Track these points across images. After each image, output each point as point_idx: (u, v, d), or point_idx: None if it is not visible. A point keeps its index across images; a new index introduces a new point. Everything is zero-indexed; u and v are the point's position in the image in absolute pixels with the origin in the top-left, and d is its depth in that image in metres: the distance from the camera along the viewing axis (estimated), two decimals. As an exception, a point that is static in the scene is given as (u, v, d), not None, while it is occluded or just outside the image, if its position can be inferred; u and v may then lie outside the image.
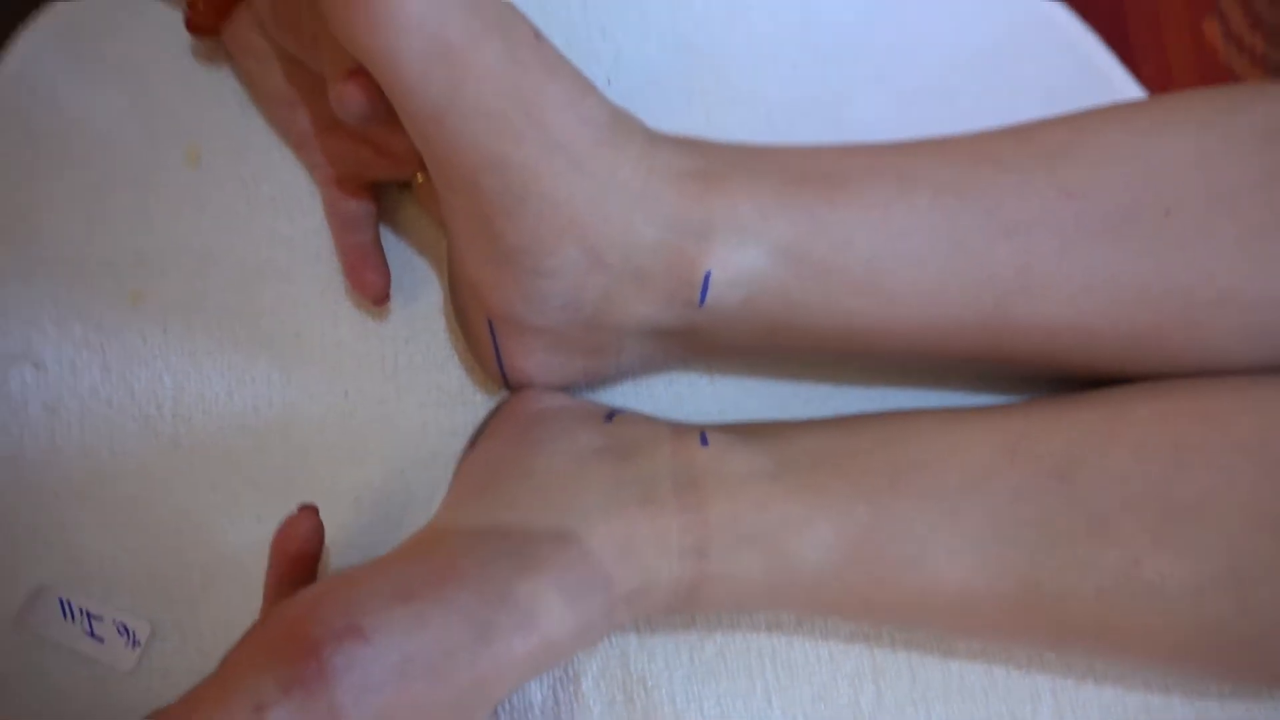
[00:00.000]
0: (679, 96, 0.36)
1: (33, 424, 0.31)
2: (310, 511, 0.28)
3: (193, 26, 0.33)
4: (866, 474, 0.28)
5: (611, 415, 0.31)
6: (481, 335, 0.31)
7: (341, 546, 0.31)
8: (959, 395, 0.34)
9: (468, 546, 0.27)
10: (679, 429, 0.30)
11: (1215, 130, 0.30)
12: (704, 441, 0.29)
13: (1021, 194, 0.30)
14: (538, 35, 0.27)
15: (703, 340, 0.31)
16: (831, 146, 0.31)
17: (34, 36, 0.34)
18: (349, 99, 0.27)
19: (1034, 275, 0.29)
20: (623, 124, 0.29)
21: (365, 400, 0.33)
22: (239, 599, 0.30)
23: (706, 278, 0.29)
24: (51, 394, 0.31)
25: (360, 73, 0.27)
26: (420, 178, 0.33)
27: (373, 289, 0.32)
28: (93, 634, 0.30)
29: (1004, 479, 0.28)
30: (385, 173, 0.33)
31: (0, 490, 0.30)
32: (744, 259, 0.29)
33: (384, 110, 0.27)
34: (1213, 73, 0.42)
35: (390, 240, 0.34)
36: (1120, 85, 0.38)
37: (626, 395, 0.34)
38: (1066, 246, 0.29)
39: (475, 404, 0.33)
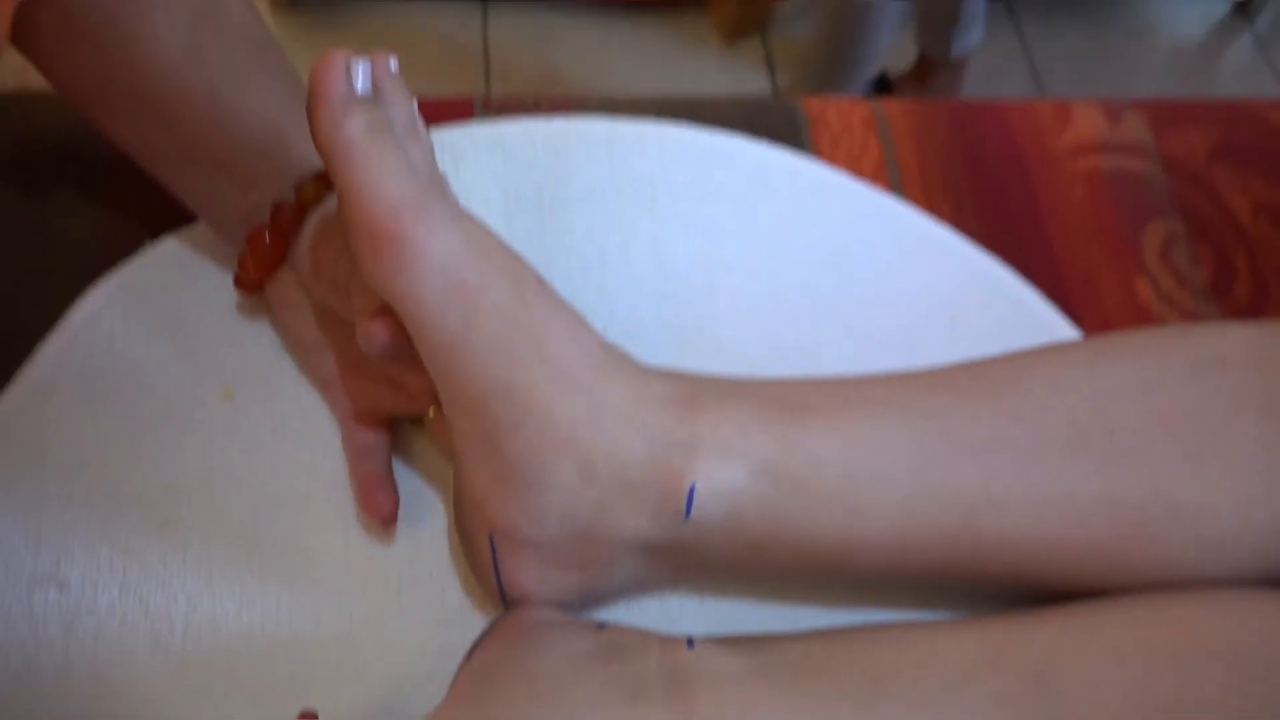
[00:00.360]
0: (666, 345, 0.40)
1: (49, 641, 0.32)
2: (311, 718, 0.28)
3: (240, 283, 0.38)
4: (850, 677, 0.29)
5: (603, 625, 0.32)
6: (483, 553, 0.33)
7: (337, 766, 0.31)
8: (939, 614, 0.35)
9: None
10: (667, 637, 0.32)
11: (1150, 363, 0.33)
12: (690, 645, 0.31)
13: (976, 418, 0.33)
14: (540, 280, 0.32)
15: (691, 557, 0.33)
16: (804, 379, 0.35)
17: (99, 292, 0.38)
18: (375, 335, 0.31)
19: (996, 490, 0.32)
20: (615, 356, 0.32)
21: (368, 619, 0.34)
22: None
23: (691, 490, 0.31)
24: (70, 612, 0.33)
25: (386, 312, 0.31)
26: (433, 412, 0.36)
27: (381, 510, 0.35)
28: None
29: (985, 684, 0.29)
30: (401, 408, 0.37)
31: (9, 705, 0.31)
32: (726, 474, 0.31)
33: (404, 346, 0.31)
34: (1149, 326, 0.47)
35: (401, 470, 0.37)
36: (1065, 334, 0.42)
37: (619, 614, 0.35)
38: (1024, 464, 0.32)
39: (474, 624, 0.34)
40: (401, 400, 0.36)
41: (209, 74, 0.36)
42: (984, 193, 0.49)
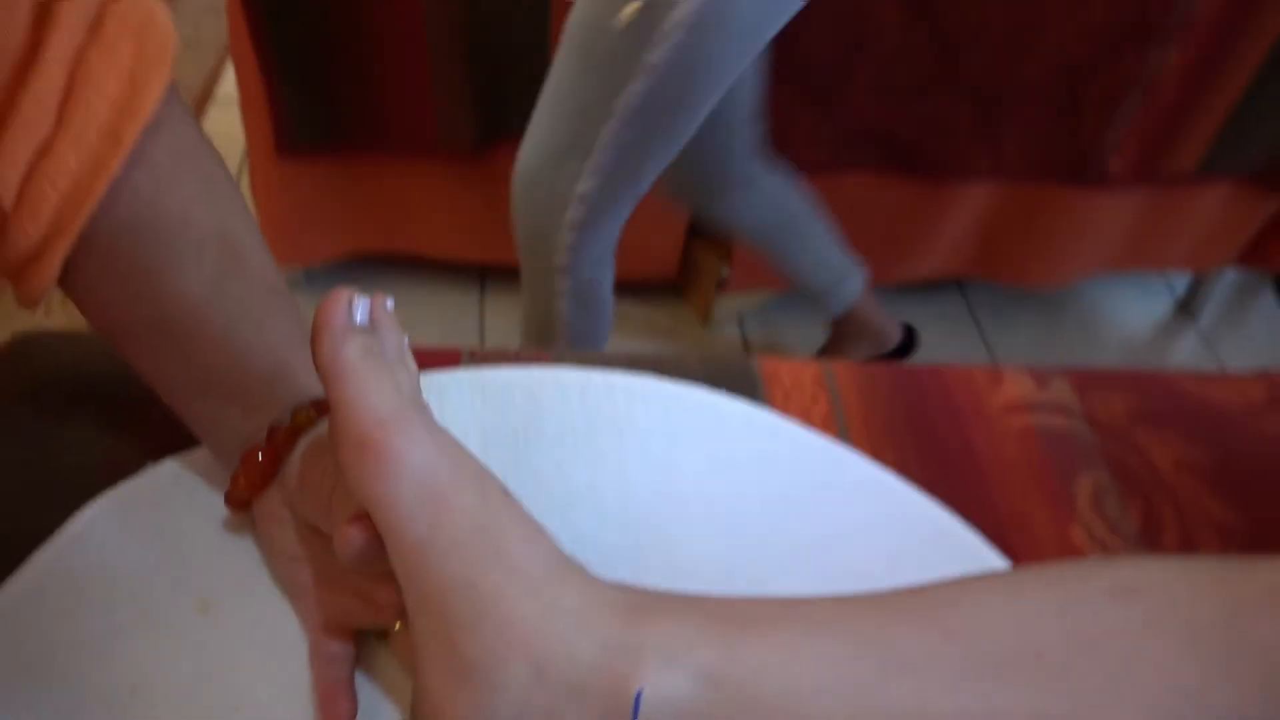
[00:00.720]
0: (626, 567, 0.43)
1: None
2: None
3: (231, 500, 0.41)
4: None
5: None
6: (437, 759, 0.34)
7: None
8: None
9: None
10: None
11: (1072, 588, 0.36)
12: None
13: (912, 637, 0.35)
14: (505, 491, 0.35)
15: (640, 770, 0.34)
16: (750, 597, 0.37)
17: (97, 506, 0.41)
18: (352, 539, 0.34)
19: (931, 707, 0.33)
20: (570, 564, 0.35)
21: (317, 830, 0.34)
22: None
23: (638, 697, 0.33)
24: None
25: (363, 518, 0.34)
26: (398, 626, 0.38)
27: (340, 718, 0.36)
28: None
29: None
30: (368, 621, 0.39)
31: None
32: (671, 681, 0.33)
33: (377, 550, 0.34)
34: (1087, 569, 0.49)
35: (362, 681, 0.38)
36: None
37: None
38: (957, 682, 0.34)
39: (422, 840, 0.34)
40: (370, 613, 0.38)
41: (228, 314, 0.41)
42: (925, 443, 0.53)
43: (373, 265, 1.64)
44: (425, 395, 0.37)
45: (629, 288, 1.71)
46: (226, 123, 1.71)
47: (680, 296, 1.78)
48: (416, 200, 1.45)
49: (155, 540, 0.41)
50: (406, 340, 0.37)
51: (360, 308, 0.34)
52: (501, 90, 1.31)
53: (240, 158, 1.70)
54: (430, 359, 0.51)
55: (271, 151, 1.33)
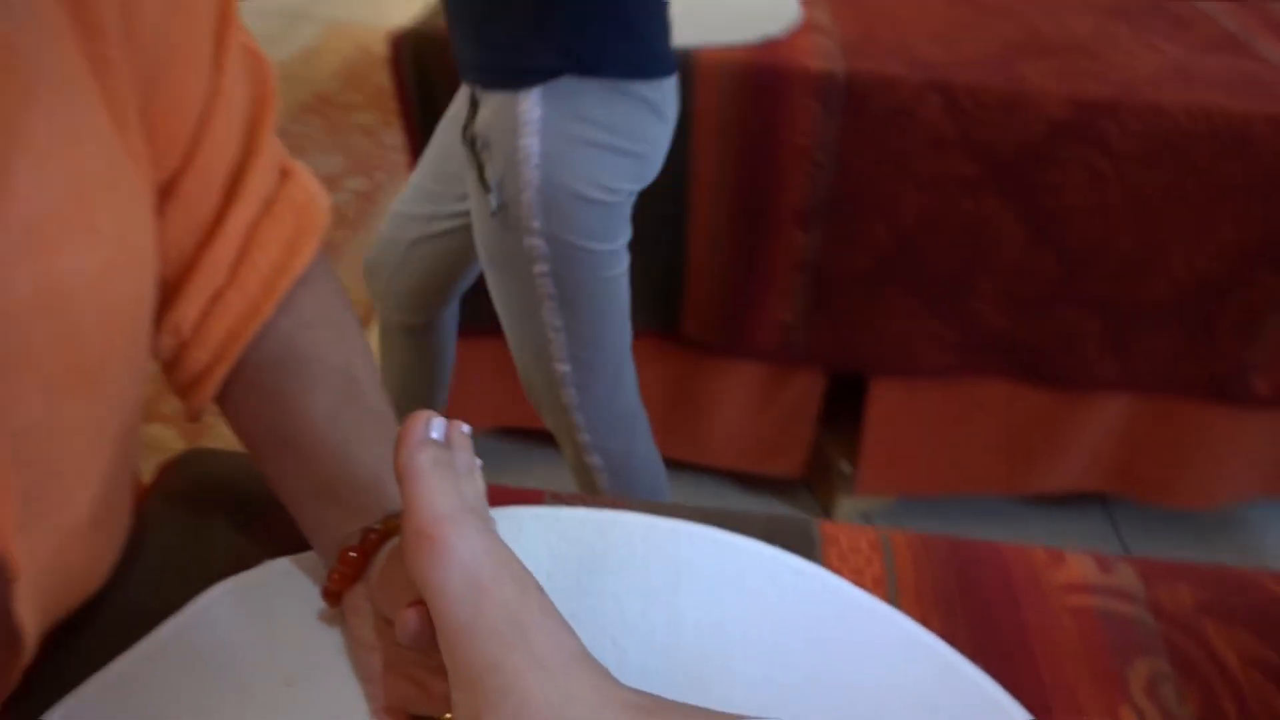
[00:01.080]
0: (663, 693, 0.46)
1: None
2: None
3: (326, 593, 0.47)
4: None
5: None
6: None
7: None
8: None
9: None
10: None
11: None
12: None
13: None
14: (541, 591, 0.40)
15: None
16: None
17: (217, 590, 0.49)
18: (409, 620, 0.40)
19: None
20: (591, 661, 0.39)
21: None
22: None
23: (634, 787, 0.36)
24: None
25: (419, 603, 0.40)
26: (447, 716, 0.43)
27: None
28: None
29: None
30: (423, 709, 0.44)
31: None
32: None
33: (429, 632, 0.39)
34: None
35: (411, 762, 0.43)
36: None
37: None
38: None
39: None
40: (425, 701, 0.43)
41: (341, 435, 0.49)
42: (975, 612, 0.55)
43: (518, 435, 1.74)
44: (506, 526, 0.43)
45: (756, 481, 1.75)
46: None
47: (811, 493, 1.80)
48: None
49: (259, 621, 0.48)
50: (480, 463, 0.44)
51: (436, 426, 0.41)
52: (640, 284, 1.43)
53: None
54: (518, 496, 0.57)
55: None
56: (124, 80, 0.41)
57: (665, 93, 1.09)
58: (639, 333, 1.50)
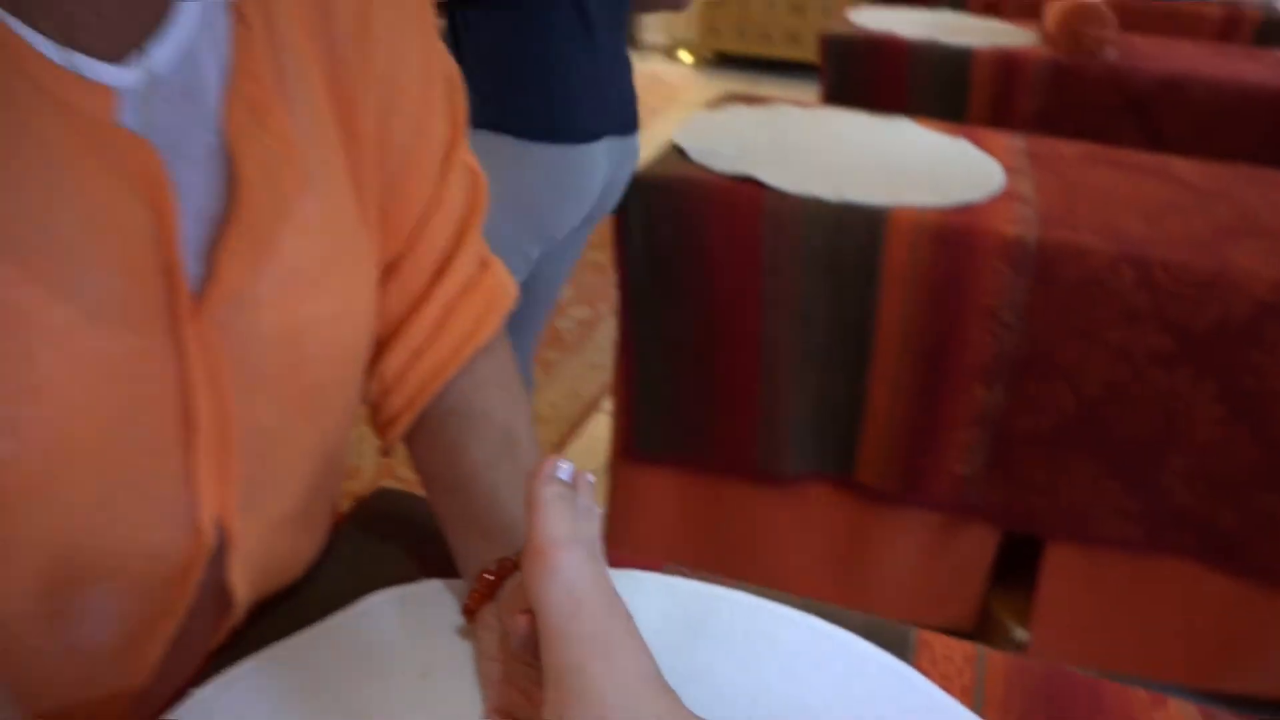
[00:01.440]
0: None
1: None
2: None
3: (466, 610, 0.56)
4: None
5: None
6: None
7: None
8: None
9: None
10: None
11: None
12: None
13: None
14: (629, 617, 0.47)
15: None
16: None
17: (382, 595, 0.59)
18: (519, 625, 0.48)
19: None
20: (664, 684, 0.46)
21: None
22: None
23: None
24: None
25: (529, 612, 0.48)
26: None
27: None
28: None
29: None
30: (527, 715, 0.51)
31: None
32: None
33: (534, 640, 0.47)
34: None
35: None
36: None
37: None
38: None
39: None
40: (528, 709, 0.51)
41: (496, 481, 0.59)
42: (1057, 735, 0.56)
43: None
44: (625, 584, 0.50)
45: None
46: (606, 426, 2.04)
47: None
48: (737, 520, 1.61)
49: (408, 624, 0.57)
50: (600, 510, 0.52)
51: (565, 470, 0.50)
52: (819, 426, 1.49)
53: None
54: (644, 562, 0.65)
55: (623, 454, 1.59)
56: (371, 180, 0.54)
57: (577, 159, 1.22)
58: (814, 474, 1.55)
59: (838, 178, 1.46)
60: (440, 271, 0.61)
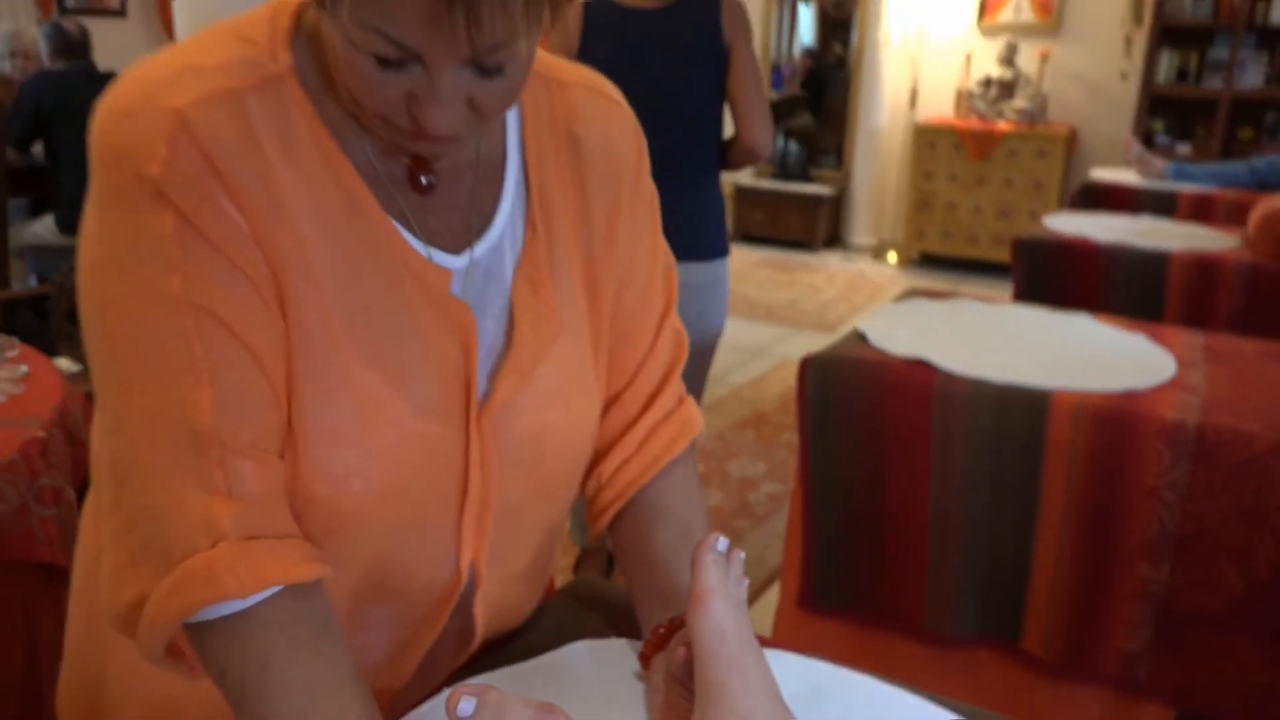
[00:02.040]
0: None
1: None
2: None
3: (642, 657, 0.74)
4: None
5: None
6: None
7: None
8: None
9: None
10: None
11: None
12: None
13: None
14: (761, 653, 0.64)
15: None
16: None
17: (578, 645, 0.77)
18: (679, 655, 0.66)
19: None
20: (783, 701, 0.61)
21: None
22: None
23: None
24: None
25: (687, 646, 0.65)
26: (694, 738, 0.67)
27: None
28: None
29: None
30: (681, 731, 0.68)
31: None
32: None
33: (689, 667, 0.65)
34: None
35: (664, 760, 0.67)
36: None
37: None
38: None
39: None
40: (682, 726, 0.67)
41: (673, 559, 0.77)
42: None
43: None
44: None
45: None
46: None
47: None
48: (902, 677, 1.68)
49: (596, 667, 0.75)
50: (746, 581, 0.70)
51: (723, 544, 0.69)
52: (986, 591, 1.57)
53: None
54: (779, 644, 0.80)
55: (795, 603, 1.72)
56: (605, 335, 0.77)
57: None
58: (980, 638, 1.61)
59: (1006, 363, 1.61)
60: (648, 404, 0.82)
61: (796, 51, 7.64)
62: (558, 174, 0.74)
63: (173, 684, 0.68)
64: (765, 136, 1.99)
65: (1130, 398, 1.49)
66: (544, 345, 0.72)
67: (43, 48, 3.74)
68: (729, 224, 5.90)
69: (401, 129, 0.61)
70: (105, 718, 0.78)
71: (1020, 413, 1.50)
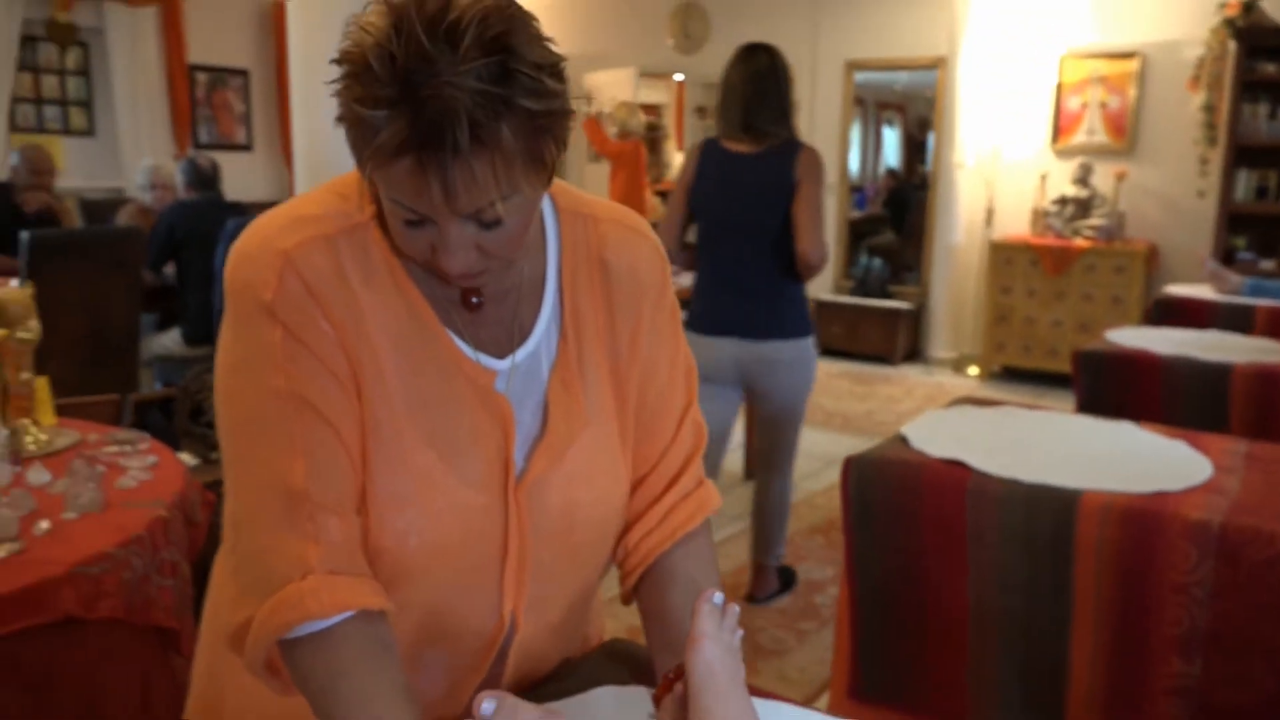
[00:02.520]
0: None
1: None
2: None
3: (655, 698, 0.86)
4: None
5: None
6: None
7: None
8: None
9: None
10: None
11: None
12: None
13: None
14: (744, 688, 0.76)
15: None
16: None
17: (603, 689, 0.90)
18: (679, 689, 0.78)
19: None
20: (756, 722, 0.73)
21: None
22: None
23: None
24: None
25: (684, 682, 0.78)
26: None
27: None
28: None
29: None
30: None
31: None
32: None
33: (685, 700, 0.77)
34: None
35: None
36: None
37: None
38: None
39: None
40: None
41: (683, 617, 0.89)
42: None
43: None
44: (765, 709, 0.78)
45: None
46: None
47: None
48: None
49: (619, 705, 0.87)
50: (741, 632, 0.82)
51: (718, 598, 0.82)
52: (1025, 686, 1.62)
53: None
54: (786, 698, 0.91)
55: (845, 694, 1.79)
56: (630, 427, 0.93)
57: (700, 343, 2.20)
58: (1023, 732, 1.65)
59: (1041, 464, 1.69)
60: (670, 485, 0.96)
61: (881, 172, 7.89)
62: (589, 293, 0.90)
63: (273, 704, 0.83)
64: (815, 248, 2.53)
65: (1159, 499, 1.56)
66: (573, 433, 0.88)
67: (179, 180, 4.19)
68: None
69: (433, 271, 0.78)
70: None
71: (1049, 511, 1.58)
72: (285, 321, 0.77)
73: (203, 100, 6.69)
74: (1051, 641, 1.60)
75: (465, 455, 0.82)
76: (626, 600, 0.98)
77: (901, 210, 7.46)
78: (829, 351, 6.39)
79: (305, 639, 0.74)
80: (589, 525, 0.90)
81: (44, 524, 1.40)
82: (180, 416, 2.37)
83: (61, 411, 1.87)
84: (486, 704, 0.67)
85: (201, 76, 6.64)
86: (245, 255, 0.80)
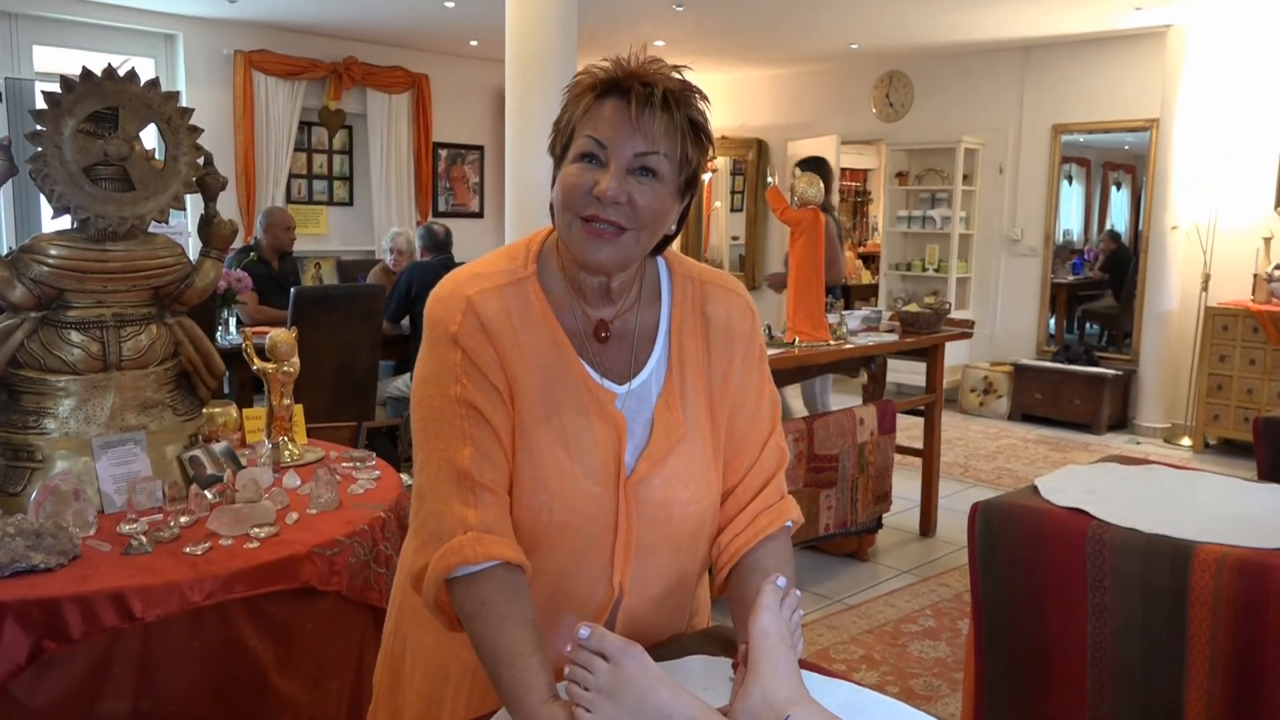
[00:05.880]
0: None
1: None
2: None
3: (735, 664, 1.08)
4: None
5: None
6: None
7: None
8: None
9: None
10: None
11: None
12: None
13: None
14: (792, 649, 0.97)
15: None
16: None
17: (695, 658, 1.12)
18: (742, 650, 1.00)
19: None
20: (803, 683, 0.94)
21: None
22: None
23: None
24: None
25: (746, 643, 1.00)
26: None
27: None
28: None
29: None
30: (740, 704, 1.01)
31: None
32: None
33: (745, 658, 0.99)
34: None
35: None
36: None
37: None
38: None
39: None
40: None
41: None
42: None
43: None
44: (815, 685, 0.99)
45: None
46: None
47: None
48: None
49: (707, 670, 1.10)
50: (801, 613, 1.03)
51: (782, 580, 1.03)
52: (1140, 730, 1.68)
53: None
54: (838, 674, 1.10)
55: (972, 728, 1.90)
56: (720, 445, 1.16)
57: None
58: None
59: (1165, 517, 1.76)
60: (754, 496, 1.18)
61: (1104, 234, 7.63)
62: (692, 338, 1.16)
63: (438, 655, 1.12)
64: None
65: (1275, 554, 1.61)
66: (673, 444, 1.12)
67: (417, 244, 4.80)
68: (1007, 402, 5.93)
69: (580, 252, 1.06)
70: (402, 680, 1.23)
71: (1165, 561, 1.66)
72: (464, 347, 1.07)
73: (443, 173, 7.49)
74: (1167, 690, 1.66)
75: (588, 455, 1.09)
76: (719, 594, 1.20)
77: (1120, 274, 7.20)
78: (1028, 417, 6.25)
79: (463, 578, 1.02)
80: (684, 519, 1.14)
81: (294, 515, 1.79)
82: (402, 443, 2.80)
83: (311, 433, 2.31)
84: (583, 630, 0.92)
85: (443, 152, 7.45)
86: (440, 299, 1.11)
